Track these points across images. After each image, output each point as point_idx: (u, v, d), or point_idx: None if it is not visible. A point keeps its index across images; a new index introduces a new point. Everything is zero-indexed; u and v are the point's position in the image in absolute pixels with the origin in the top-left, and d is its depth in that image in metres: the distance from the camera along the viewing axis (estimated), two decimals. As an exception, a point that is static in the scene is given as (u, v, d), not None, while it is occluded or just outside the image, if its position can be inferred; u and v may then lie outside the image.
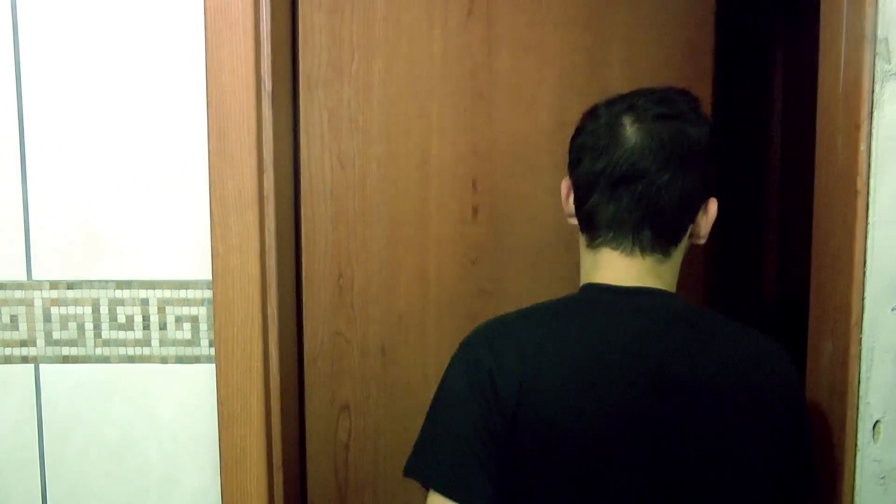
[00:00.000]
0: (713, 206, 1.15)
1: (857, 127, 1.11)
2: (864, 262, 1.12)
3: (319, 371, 1.38)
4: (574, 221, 1.19)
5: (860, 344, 1.13)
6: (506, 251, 1.44)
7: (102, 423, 1.25)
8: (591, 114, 1.19)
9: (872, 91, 1.11)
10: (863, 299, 1.13)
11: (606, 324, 1.11)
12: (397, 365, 1.43)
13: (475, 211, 1.42)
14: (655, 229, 1.12)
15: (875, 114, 1.11)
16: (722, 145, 1.47)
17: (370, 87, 1.36)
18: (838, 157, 1.15)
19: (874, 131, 1.11)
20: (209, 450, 1.25)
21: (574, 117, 1.32)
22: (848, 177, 1.13)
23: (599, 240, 1.14)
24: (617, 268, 1.13)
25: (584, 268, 1.17)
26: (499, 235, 1.43)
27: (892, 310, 1.13)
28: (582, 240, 1.17)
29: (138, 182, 1.21)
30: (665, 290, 1.14)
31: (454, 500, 1.08)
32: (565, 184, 1.19)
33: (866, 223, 1.12)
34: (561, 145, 1.34)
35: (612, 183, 1.11)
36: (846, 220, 1.13)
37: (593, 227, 1.14)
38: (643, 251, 1.13)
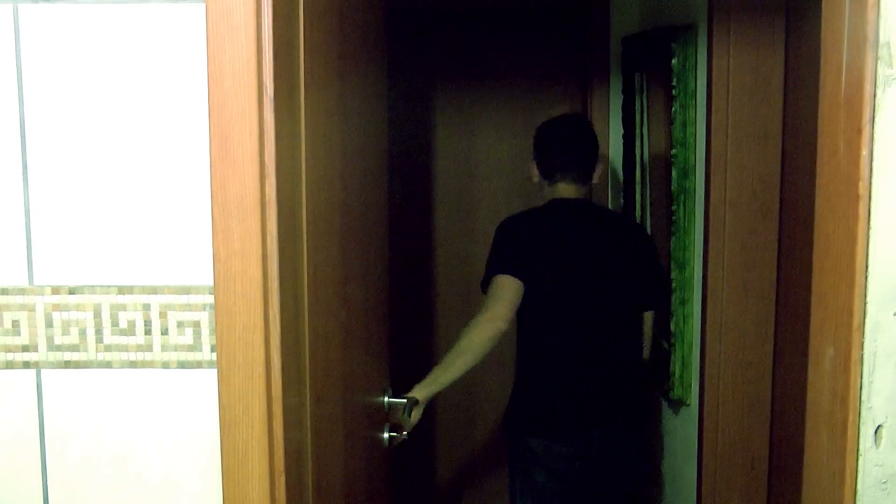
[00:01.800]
0: (602, 165, 2.66)
1: (859, 131, 1.11)
2: (866, 267, 1.12)
3: (311, 368, 1.40)
4: (536, 180, 2.64)
5: (862, 349, 1.13)
6: (351, 239, 1.67)
7: (104, 428, 1.25)
8: (546, 125, 2.67)
9: (874, 95, 1.11)
10: (864, 304, 1.13)
11: (564, 213, 2.57)
12: (330, 349, 1.50)
13: (343, 205, 1.59)
14: (581, 172, 2.57)
15: (877, 118, 1.11)
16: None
17: (320, 94, 1.41)
18: (840, 162, 1.15)
19: (876, 136, 1.11)
20: (211, 455, 1.25)
21: (363, 122, 1.76)
22: (849, 181, 1.13)
23: (556, 179, 2.58)
24: (565, 190, 2.57)
25: (547, 195, 2.61)
26: (350, 226, 1.65)
27: (894, 314, 1.13)
28: (545, 184, 2.61)
29: (140, 186, 1.21)
30: (587, 199, 2.64)
31: (507, 273, 2.44)
32: (532, 163, 2.65)
33: (868, 228, 1.12)
34: (360, 147, 1.75)
35: (562, 151, 2.58)
36: (848, 224, 1.14)
37: (553, 173, 2.58)
38: (575, 182, 2.57)
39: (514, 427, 2.57)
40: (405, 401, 2.05)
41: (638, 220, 3.01)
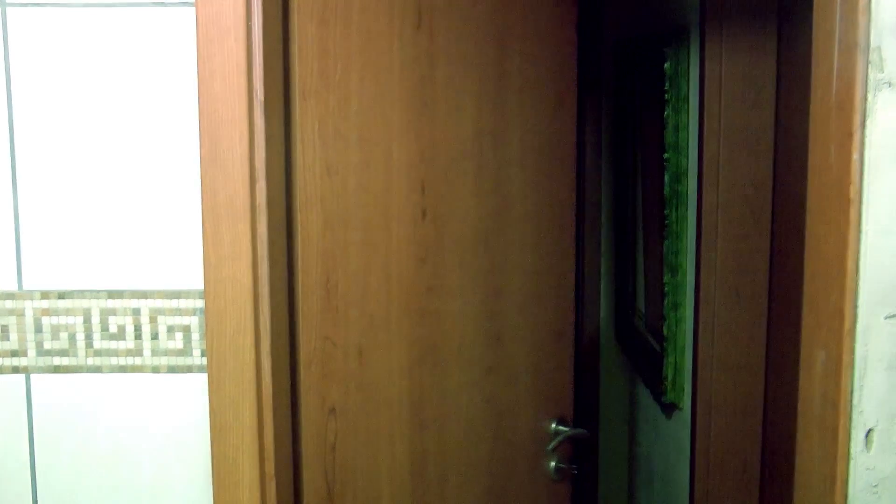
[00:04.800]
0: None
1: (850, 135, 1.11)
2: (857, 271, 1.12)
3: (312, 377, 1.39)
4: None
5: (853, 353, 1.13)
6: (445, 249, 1.57)
7: (93, 433, 1.25)
8: None
9: (865, 100, 1.11)
10: (855, 308, 1.13)
11: None
12: (370, 364, 1.46)
13: (424, 213, 1.52)
14: None
15: (868, 122, 1.11)
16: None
17: (349, 97, 1.38)
18: (831, 166, 1.15)
19: (867, 140, 1.11)
20: (201, 460, 1.24)
21: (488, 125, 1.63)
22: (840, 185, 1.13)
23: None
24: None
25: None
26: (440, 235, 1.56)
27: (886, 318, 1.13)
28: None
29: (130, 191, 1.21)
30: None
31: None
32: None
33: (859, 232, 1.12)
34: (479, 150, 1.62)
35: None
36: (839, 228, 1.13)
37: None
38: None
39: None
40: (568, 429, 1.81)
41: (630, 225, 3.02)
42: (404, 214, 1.49)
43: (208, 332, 1.20)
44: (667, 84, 2.42)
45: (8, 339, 1.23)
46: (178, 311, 1.22)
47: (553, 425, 1.77)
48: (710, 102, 2.25)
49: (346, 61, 1.37)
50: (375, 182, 1.44)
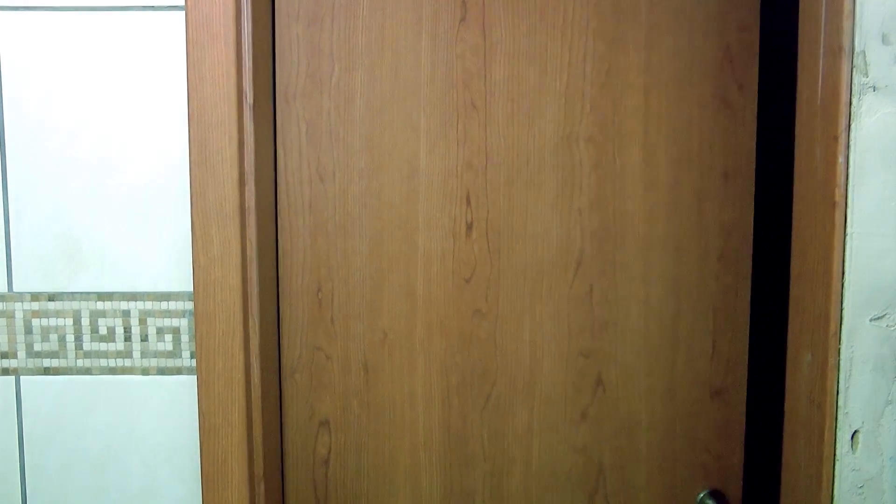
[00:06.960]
0: None
1: (835, 139, 1.12)
2: (843, 274, 1.13)
3: (297, 385, 1.38)
4: None
5: (839, 354, 1.14)
6: (503, 270, 1.40)
7: (83, 434, 1.25)
8: None
9: (850, 103, 1.11)
10: (841, 310, 1.14)
11: None
12: (382, 383, 1.40)
13: (469, 227, 1.39)
14: None
15: (853, 126, 1.12)
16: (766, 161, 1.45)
17: (352, 99, 1.35)
18: (817, 169, 1.16)
19: (852, 143, 1.12)
20: (190, 461, 1.25)
21: (584, 130, 1.40)
22: (826, 188, 1.14)
23: None
24: None
25: None
26: (494, 253, 1.40)
27: (871, 320, 1.14)
28: None
29: (120, 194, 1.21)
30: None
31: None
32: None
33: (844, 235, 1.13)
34: (568, 159, 1.40)
35: None
36: (824, 231, 1.14)
37: None
38: None
39: None
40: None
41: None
42: (437, 227, 1.39)
43: (198, 333, 1.20)
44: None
45: (-2, 341, 1.23)
46: (168, 313, 1.23)
47: (700, 496, 1.50)
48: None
49: (347, 61, 1.35)
50: (391, 189, 1.37)
